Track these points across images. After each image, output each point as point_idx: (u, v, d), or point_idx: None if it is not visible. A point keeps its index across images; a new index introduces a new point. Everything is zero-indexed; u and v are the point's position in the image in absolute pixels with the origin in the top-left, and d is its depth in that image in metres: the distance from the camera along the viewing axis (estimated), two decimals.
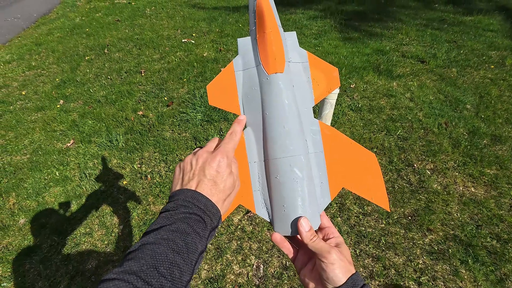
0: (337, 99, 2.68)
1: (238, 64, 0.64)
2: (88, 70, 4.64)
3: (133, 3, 7.49)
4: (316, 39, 5.29)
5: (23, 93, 4.21)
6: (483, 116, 3.25)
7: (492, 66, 4.27)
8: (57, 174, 2.80)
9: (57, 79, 4.46)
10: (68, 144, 3.17)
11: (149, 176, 2.71)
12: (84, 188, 2.64)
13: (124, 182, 2.67)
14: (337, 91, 2.66)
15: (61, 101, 3.94)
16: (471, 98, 3.54)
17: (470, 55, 4.58)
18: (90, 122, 3.48)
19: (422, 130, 3.06)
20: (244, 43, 0.65)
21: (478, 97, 3.58)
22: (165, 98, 3.81)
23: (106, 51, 5.19)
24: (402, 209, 2.31)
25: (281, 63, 0.58)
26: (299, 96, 0.59)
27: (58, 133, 3.35)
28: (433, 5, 6.94)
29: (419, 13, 6.42)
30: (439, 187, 2.47)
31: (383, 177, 2.59)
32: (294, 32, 0.67)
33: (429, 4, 6.98)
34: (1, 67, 4.99)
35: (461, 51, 4.69)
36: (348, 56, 4.56)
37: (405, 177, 2.56)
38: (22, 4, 8.38)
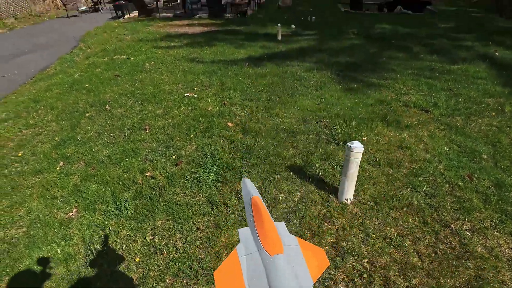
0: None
1: (241, 250, 0.69)
2: (89, 128, 4.43)
3: (132, 59, 7.55)
4: (317, 90, 5.33)
5: (20, 154, 3.92)
6: (502, 166, 3.16)
7: (494, 114, 4.32)
8: (59, 252, 2.44)
9: (56, 138, 4.21)
10: (70, 214, 2.84)
11: (164, 250, 2.39)
12: (90, 269, 2.29)
13: (137, 260, 2.34)
14: (362, 148, 2.53)
15: (61, 163, 3.66)
16: (484, 148, 3.49)
17: (468, 103, 4.66)
18: (93, 186, 3.19)
19: (447, 185, 2.91)
20: (244, 232, 0.74)
21: (490, 146, 3.53)
22: (173, 156, 3.60)
23: (107, 107, 5.04)
24: (453, 280, 2.06)
25: (280, 246, 0.66)
26: (300, 274, 0.66)
27: (58, 200, 3.03)
28: (419, 55, 7.28)
29: (408, 63, 6.68)
30: (484, 251, 2.25)
31: (421, 240, 2.37)
32: (283, 222, 0.77)
33: (415, 55, 7.31)
34: None
35: (459, 99, 4.78)
36: (352, 107, 4.55)
37: (445, 241, 2.35)
38: (20, 60, 8.34)
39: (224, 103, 4.92)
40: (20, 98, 5.79)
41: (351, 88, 5.34)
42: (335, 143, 3.65)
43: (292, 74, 6.19)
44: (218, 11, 12.42)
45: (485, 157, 3.32)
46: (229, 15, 12.71)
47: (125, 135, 4.17)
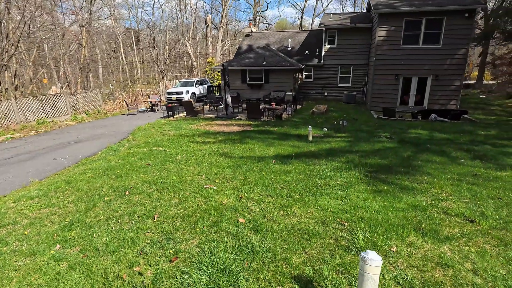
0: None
1: None
2: (101, 212, 4.32)
3: (167, 150, 7.97)
4: (342, 190, 4.89)
5: (26, 232, 3.81)
6: None
7: None
8: None
9: (67, 219, 4.11)
10: None
11: None
12: None
13: None
14: (379, 261, 1.98)
15: (58, 246, 3.43)
16: None
17: None
18: (76, 276, 2.83)
19: None
20: None
21: None
22: (171, 251, 3.21)
23: (127, 192, 5.02)
24: None
25: None
26: None
27: None
28: (459, 160, 6.71)
29: (447, 168, 6.10)
30: None
31: None
32: None
33: (454, 159, 6.76)
34: (23, 202, 4.85)
35: (511, 209, 4.00)
36: (380, 210, 3.98)
37: None
38: (75, 147, 9.24)
39: (241, 197, 4.64)
40: (57, 178, 6.10)
41: (381, 190, 4.83)
42: (356, 251, 3.03)
43: (318, 172, 5.91)
44: (256, 114, 13.41)
45: None
46: (266, 118, 13.60)
47: (132, 223, 3.95)
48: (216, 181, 5.50)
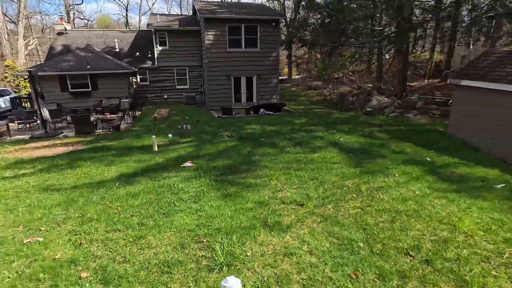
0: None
1: None
2: None
3: None
4: (195, 202, 4.89)
5: None
6: (377, 251, 3.18)
7: (354, 195, 4.72)
8: None
9: None
10: None
11: None
12: None
13: None
14: (239, 285, 2.05)
15: None
16: (358, 234, 3.55)
17: (333, 189, 5.03)
18: None
19: None
20: None
21: (362, 231, 3.63)
22: None
23: None
24: None
25: None
26: None
27: None
28: (286, 149, 8.04)
29: (278, 158, 7.18)
30: None
31: None
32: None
33: (282, 149, 8.04)
34: None
35: (326, 186, 5.13)
36: (233, 216, 4.22)
37: None
38: None
39: (81, 243, 3.85)
40: None
41: (230, 193, 5.13)
42: (218, 269, 3.08)
43: (169, 187, 5.68)
44: (87, 128, 11.52)
45: (361, 244, 3.33)
46: (101, 130, 11.94)
47: None
48: (42, 228, 4.35)
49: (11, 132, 11.56)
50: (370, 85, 18.25)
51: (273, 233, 3.69)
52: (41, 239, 4.03)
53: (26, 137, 11.42)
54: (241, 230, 3.78)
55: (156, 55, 18.83)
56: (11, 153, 9.26)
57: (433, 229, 3.53)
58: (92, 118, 11.88)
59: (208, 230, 3.89)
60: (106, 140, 10.39)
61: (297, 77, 31.62)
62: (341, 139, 8.93)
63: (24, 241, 3.99)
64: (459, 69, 9.03)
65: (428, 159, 6.69)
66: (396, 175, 5.51)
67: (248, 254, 3.25)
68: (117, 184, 6.00)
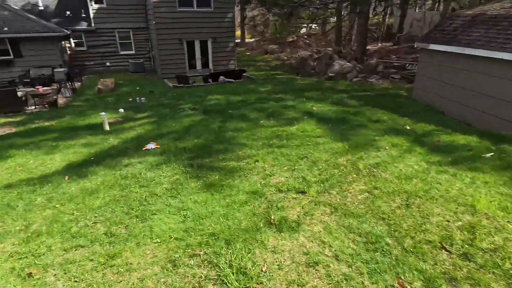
0: None
1: None
2: None
3: None
4: (174, 197, 4.00)
5: None
6: (410, 249, 2.75)
7: (355, 175, 4.26)
8: None
9: None
10: None
11: None
12: None
13: None
14: None
15: None
16: (379, 227, 3.09)
17: (329, 169, 4.50)
18: None
19: None
20: None
21: (381, 221, 3.18)
22: None
23: None
24: None
25: None
26: None
27: None
28: (260, 122, 7.29)
29: (255, 133, 6.42)
30: None
31: None
32: None
33: (256, 122, 7.27)
34: None
35: (320, 166, 4.59)
36: (227, 214, 3.47)
37: None
38: None
39: (30, 273, 2.82)
40: None
41: (214, 182, 4.32)
42: None
43: (135, 178, 4.66)
44: (13, 106, 9.38)
45: (389, 241, 2.88)
46: (33, 107, 9.87)
47: None
48: None
49: None
50: (330, 49, 17.86)
51: (283, 234, 3.05)
52: None
53: None
54: (243, 233, 3.08)
55: (92, 15, 15.95)
56: None
57: (454, 213, 3.21)
58: (19, 93, 9.70)
59: (201, 236, 3.11)
60: (42, 120, 8.57)
61: (250, 40, 30.08)
62: (314, 108, 8.44)
63: None
64: (427, 32, 8.88)
65: (408, 127, 6.52)
66: (386, 148, 5.18)
67: (263, 269, 2.59)
68: (66, 178, 4.78)
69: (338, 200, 3.63)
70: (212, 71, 15.95)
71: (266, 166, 4.76)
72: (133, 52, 17.58)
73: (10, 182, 4.81)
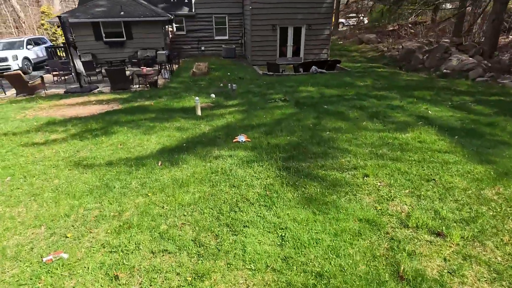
0: None
1: None
2: None
3: None
4: (268, 207, 3.43)
5: None
6: None
7: (510, 220, 3.02)
8: None
9: None
10: None
11: None
12: None
13: None
14: None
15: None
16: None
17: (473, 204, 3.30)
18: None
19: None
20: None
21: None
22: None
23: None
24: None
25: None
26: None
27: None
28: (361, 123, 6.22)
29: (358, 137, 5.42)
30: None
31: None
32: None
33: (356, 122, 6.22)
34: None
35: (458, 197, 3.42)
36: (337, 247, 2.72)
37: None
38: None
39: (117, 275, 2.59)
40: None
41: (314, 196, 3.60)
42: None
43: (226, 174, 4.26)
44: (122, 83, 10.21)
45: None
46: (137, 86, 10.61)
47: None
48: (69, 235, 3.17)
49: (46, 85, 10.57)
50: (447, 40, 15.01)
51: None
52: (65, 256, 2.84)
53: (61, 91, 10.38)
54: (361, 283, 2.29)
55: (193, 0, 16.53)
56: (44, 110, 8.26)
57: None
58: (128, 73, 10.50)
59: (304, 274, 2.44)
60: (143, 99, 9.06)
61: (343, 28, 27.85)
62: (429, 112, 6.90)
63: (44, 259, 2.82)
64: None
65: None
66: None
67: None
68: (159, 164, 4.69)
69: (499, 259, 2.52)
70: (303, 60, 15.03)
71: (379, 184, 3.81)
72: (226, 37, 17.79)
73: (111, 160, 4.95)
